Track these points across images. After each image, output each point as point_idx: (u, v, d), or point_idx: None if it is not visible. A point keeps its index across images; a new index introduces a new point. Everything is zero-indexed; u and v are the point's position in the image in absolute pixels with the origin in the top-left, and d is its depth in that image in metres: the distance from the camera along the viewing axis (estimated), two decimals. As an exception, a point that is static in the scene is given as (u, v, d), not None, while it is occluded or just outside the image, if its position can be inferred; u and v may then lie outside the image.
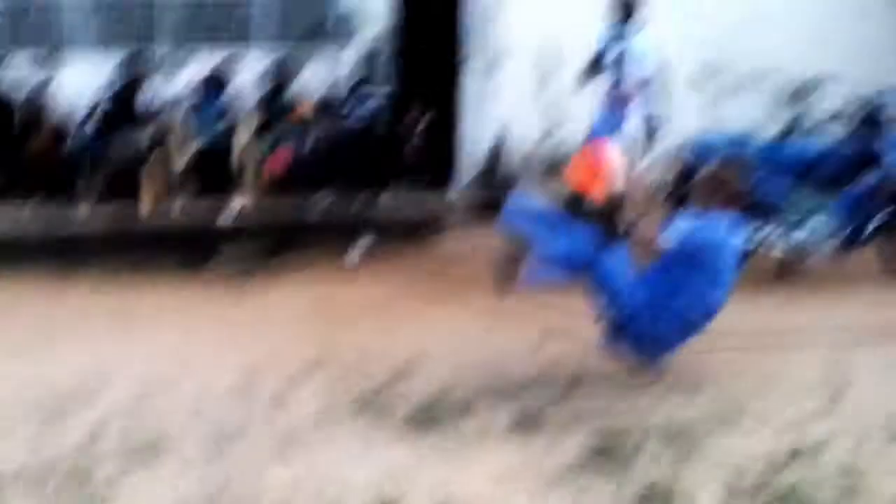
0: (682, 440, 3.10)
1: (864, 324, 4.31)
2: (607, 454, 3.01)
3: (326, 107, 6.60)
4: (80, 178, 6.34)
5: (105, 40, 7.08)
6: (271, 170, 6.49)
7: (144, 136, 6.45)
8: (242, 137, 6.62)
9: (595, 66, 5.71)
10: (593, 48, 5.69)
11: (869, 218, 5.00)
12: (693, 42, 6.60)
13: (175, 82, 6.98)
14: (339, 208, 6.32)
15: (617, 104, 5.71)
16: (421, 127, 6.78)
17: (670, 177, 5.49)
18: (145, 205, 6.33)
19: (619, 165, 3.72)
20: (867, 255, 5.17)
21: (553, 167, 7.03)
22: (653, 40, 5.67)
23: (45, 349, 4.20)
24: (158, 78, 6.90)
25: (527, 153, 7.19)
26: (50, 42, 6.99)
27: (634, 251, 3.57)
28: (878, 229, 5.04)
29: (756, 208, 5.03)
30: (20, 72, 6.71)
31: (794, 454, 2.98)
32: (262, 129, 6.66)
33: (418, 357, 3.93)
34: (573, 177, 3.82)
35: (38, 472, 2.98)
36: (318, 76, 7.02)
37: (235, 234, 5.98)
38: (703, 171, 3.67)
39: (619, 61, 5.66)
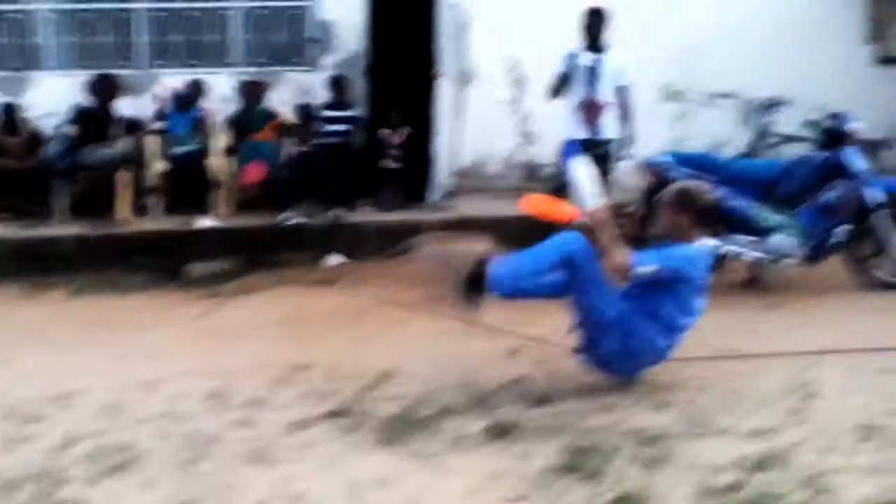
0: (654, 447, 3.14)
1: (831, 334, 4.42)
2: (581, 461, 3.04)
3: (300, 123, 6.63)
4: (53, 191, 6.29)
5: (79, 58, 7.05)
6: (245, 183, 6.49)
7: (118, 149, 6.42)
8: (216, 152, 6.62)
9: (563, 81, 5.82)
10: (561, 64, 5.80)
11: (833, 230, 5.14)
12: (655, 64, 6.77)
13: (148, 99, 6.98)
14: (313, 220, 6.33)
15: (588, 120, 5.81)
16: (399, 140, 6.83)
17: (638, 194, 5.58)
18: (119, 216, 6.29)
19: (589, 183, 3.73)
20: (833, 267, 5.31)
21: (527, 181, 7.14)
22: (619, 60, 5.80)
23: (17, 358, 4.17)
24: (133, 93, 6.90)
25: (501, 167, 7.29)
26: (23, 59, 6.96)
27: (607, 273, 3.60)
28: (841, 241, 5.18)
29: (723, 223, 5.16)
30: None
31: (763, 461, 3.03)
32: (236, 144, 6.67)
33: (392, 367, 3.95)
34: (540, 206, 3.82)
35: (7, 481, 2.94)
36: (292, 93, 7.06)
37: (209, 245, 5.97)
38: (671, 188, 3.72)
39: (590, 78, 5.77)
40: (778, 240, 5.11)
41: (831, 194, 5.14)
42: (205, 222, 6.26)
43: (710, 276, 3.67)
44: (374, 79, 7.32)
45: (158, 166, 6.55)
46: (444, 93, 6.92)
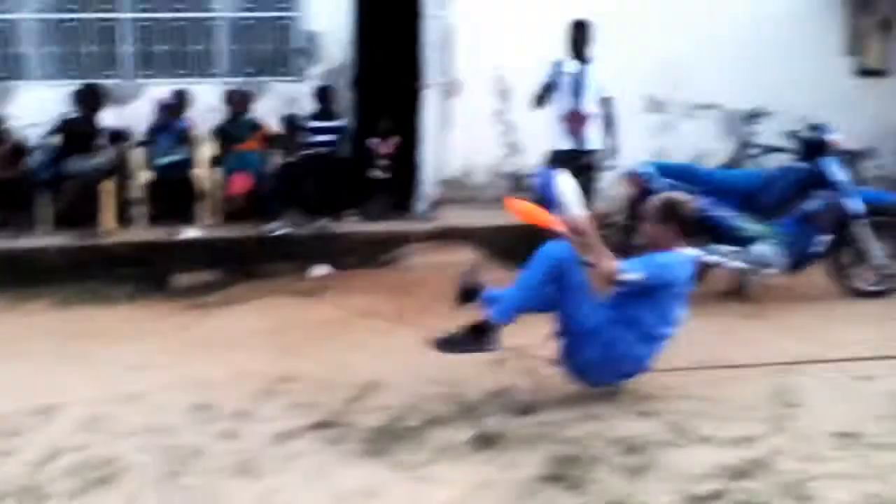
0: (637, 456, 3.17)
1: (811, 343, 4.47)
2: (566, 470, 3.06)
3: (286, 133, 6.64)
4: (37, 201, 6.26)
5: (63, 68, 7.04)
6: (231, 194, 6.49)
7: (103, 159, 6.41)
8: (201, 163, 6.62)
9: (547, 90, 5.86)
10: (546, 74, 5.85)
11: (813, 240, 5.20)
12: (638, 76, 6.84)
13: (135, 108, 6.97)
14: (299, 231, 6.33)
15: (572, 130, 5.86)
16: (388, 150, 6.85)
17: (622, 204, 5.63)
18: (104, 226, 6.27)
19: (571, 194, 3.78)
20: (814, 276, 5.37)
21: (513, 191, 7.17)
22: (602, 72, 5.86)
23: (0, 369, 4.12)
24: (117, 103, 6.89)
25: (487, 177, 7.32)
26: (7, 69, 6.93)
27: (593, 281, 3.63)
28: (822, 251, 5.24)
29: (705, 233, 5.21)
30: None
31: (745, 468, 3.07)
32: (222, 154, 6.67)
33: (378, 378, 3.96)
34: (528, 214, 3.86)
35: (-10, 495, 2.93)
36: (278, 103, 7.07)
37: (195, 255, 5.95)
38: (654, 199, 3.76)
39: (574, 88, 5.83)
40: (759, 249, 5.17)
41: (812, 204, 5.20)
42: (190, 233, 6.25)
43: (692, 285, 3.70)
44: (360, 89, 7.34)
45: (143, 177, 6.53)
46: (430, 103, 6.95)
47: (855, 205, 5.20)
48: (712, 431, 3.37)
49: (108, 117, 6.76)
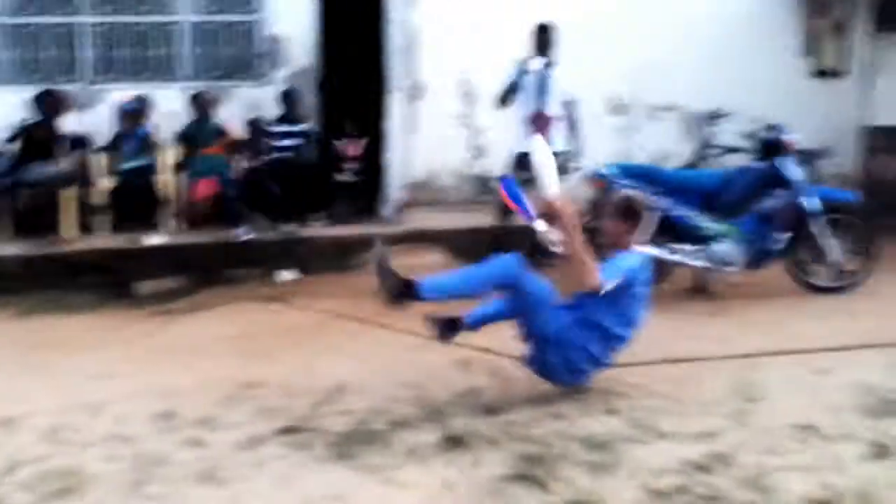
0: (601, 453, 3.21)
1: (772, 338, 4.57)
2: (532, 469, 3.09)
3: (251, 138, 6.60)
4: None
5: (23, 73, 6.93)
6: (196, 199, 6.43)
7: (64, 165, 6.32)
8: (164, 168, 6.56)
9: (512, 90, 5.90)
10: (510, 73, 5.88)
11: (773, 238, 5.31)
12: (601, 78, 6.92)
13: (97, 113, 6.89)
14: (265, 236, 6.30)
15: (537, 132, 5.90)
16: (356, 152, 6.84)
17: (586, 205, 5.69)
18: (66, 234, 6.18)
19: (550, 171, 3.84)
20: (774, 273, 5.48)
21: (479, 193, 7.23)
22: (565, 75, 5.92)
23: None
24: (79, 109, 6.80)
25: (453, 180, 7.35)
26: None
27: (560, 281, 3.67)
28: (781, 248, 5.35)
29: (667, 231, 5.29)
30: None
31: (707, 463, 3.13)
32: (186, 160, 6.61)
33: (345, 381, 3.96)
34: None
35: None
36: (242, 108, 7.03)
37: (159, 262, 5.89)
38: (611, 197, 3.83)
39: (539, 90, 5.87)
40: (720, 248, 5.26)
41: (770, 203, 5.31)
42: (154, 239, 6.18)
43: (651, 284, 3.77)
44: (325, 93, 7.33)
45: (105, 183, 6.45)
46: (396, 107, 6.97)
47: (812, 203, 5.32)
48: (675, 427, 3.43)
49: (68, 123, 6.67)
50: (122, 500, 2.94)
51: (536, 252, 5.95)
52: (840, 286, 5.47)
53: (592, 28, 6.89)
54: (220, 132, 6.70)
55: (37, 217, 6.24)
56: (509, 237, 5.81)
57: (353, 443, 3.33)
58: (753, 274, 5.41)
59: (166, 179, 6.52)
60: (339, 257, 6.24)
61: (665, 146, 7.42)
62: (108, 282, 5.71)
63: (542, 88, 5.89)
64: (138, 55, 7.06)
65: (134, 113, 6.65)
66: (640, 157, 7.31)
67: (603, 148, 6.39)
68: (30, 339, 4.82)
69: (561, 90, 5.95)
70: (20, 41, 6.93)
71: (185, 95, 6.96)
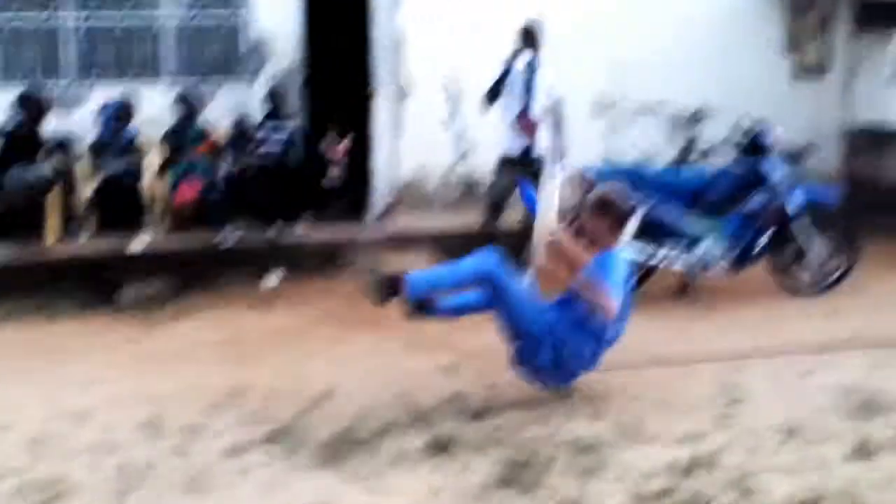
0: (588, 456, 3.23)
1: (756, 339, 4.60)
2: (519, 474, 3.10)
3: (236, 138, 6.56)
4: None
5: (4, 74, 6.85)
6: (180, 202, 6.39)
7: (47, 168, 6.26)
8: (150, 170, 6.51)
9: (501, 81, 5.89)
10: (495, 74, 5.88)
11: (757, 238, 5.34)
12: (587, 77, 6.93)
13: (80, 114, 6.83)
14: (251, 239, 6.27)
15: (524, 131, 5.91)
16: (342, 151, 6.81)
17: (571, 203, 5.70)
18: (49, 238, 6.13)
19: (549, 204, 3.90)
20: (759, 273, 5.51)
21: (466, 195, 7.22)
22: (551, 74, 5.92)
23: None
24: (62, 110, 6.73)
25: (440, 182, 7.35)
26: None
27: (543, 281, 3.68)
28: (765, 248, 5.38)
29: (653, 231, 5.31)
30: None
31: (693, 465, 3.15)
32: (170, 161, 6.57)
33: (331, 386, 3.95)
34: None
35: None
36: (227, 108, 6.99)
37: (144, 266, 5.85)
38: (592, 193, 3.84)
39: (525, 91, 5.87)
40: (705, 248, 5.29)
41: (754, 202, 5.34)
42: (139, 243, 6.14)
43: (633, 281, 3.78)
44: (311, 93, 7.30)
45: (89, 186, 6.39)
46: (382, 108, 6.95)
47: (796, 202, 5.36)
48: (661, 429, 3.45)
49: (52, 123, 6.60)
50: (108, 509, 2.93)
51: (524, 252, 6.00)
52: (823, 285, 5.51)
53: (576, 28, 6.89)
54: (204, 134, 6.66)
55: (19, 221, 6.17)
56: (497, 239, 5.81)
57: (339, 449, 3.32)
58: (737, 274, 5.43)
59: (151, 182, 6.47)
60: (325, 260, 6.22)
61: (650, 146, 7.44)
62: (92, 287, 5.67)
63: (528, 88, 5.89)
64: (122, 55, 7.01)
65: (119, 115, 6.60)
66: (625, 157, 7.33)
67: (588, 148, 6.40)
68: (12, 346, 4.78)
69: (546, 90, 5.96)
70: (2, 41, 6.86)
71: (170, 95, 6.90)
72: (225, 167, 6.50)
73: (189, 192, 6.41)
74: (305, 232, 6.53)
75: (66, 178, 6.35)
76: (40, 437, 3.49)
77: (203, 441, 3.43)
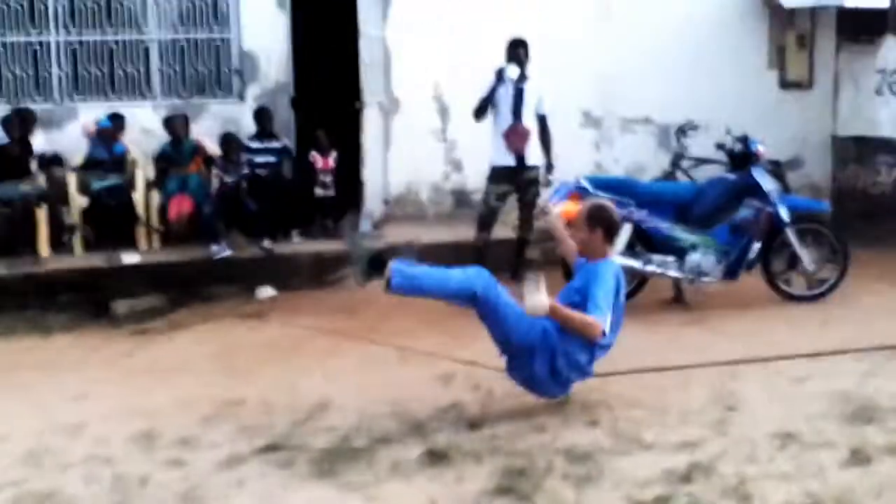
0: (584, 465, 3.23)
1: (750, 347, 4.62)
2: (516, 483, 3.09)
3: (226, 154, 6.56)
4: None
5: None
6: (174, 216, 6.39)
7: (35, 186, 6.24)
8: (140, 186, 6.50)
9: (485, 106, 5.92)
10: (484, 89, 5.92)
11: (747, 247, 5.37)
12: (574, 91, 6.99)
13: (65, 132, 6.82)
14: (244, 253, 6.26)
15: (515, 146, 5.94)
16: (328, 165, 6.82)
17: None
18: (40, 255, 6.10)
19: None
20: (751, 282, 5.53)
21: (457, 207, 7.25)
22: (539, 88, 5.97)
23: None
24: (48, 128, 6.73)
25: (431, 194, 7.37)
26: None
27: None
28: (756, 258, 5.42)
29: (645, 241, 5.35)
30: None
31: (689, 473, 3.15)
32: (162, 178, 6.56)
33: (326, 398, 3.94)
34: None
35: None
36: (216, 124, 7.00)
37: (137, 280, 5.83)
38: (582, 205, 3.88)
39: (515, 104, 5.91)
40: (696, 258, 5.32)
41: (743, 213, 5.38)
42: (130, 258, 6.12)
43: (624, 289, 3.80)
44: (300, 109, 7.32)
45: (80, 202, 6.38)
46: (371, 122, 6.98)
47: (784, 213, 5.41)
48: (657, 437, 3.46)
49: (39, 141, 6.59)
50: (102, 524, 2.90)
51: (518, 265, 6.03)
52: (814, 294, 5.56)
53: (564, 42, 6.96)
54: (196, 151, 6.66)
55: (10, 237, 6.15)
56: (489, 251, 5.83)
57: (335, 460, 3.31)
58: (729, 284, 5.46)
59: (141, 198, 6.46)
60: (318, 274, 6.22)
61: (638, 158, 7.50)
62: (85, 301, 5.64)
63: (516, 104, 5.93)
64: (109, 73, 7.01)
65: (108, 132, 6.59)
66: (614, 170, 7.38)
67: (576, 161, 6.44)
68: (6, 361, 4.75)
69: (535, 104, 6.00)
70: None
71: (158, 113, 6.91)
72: (217, 182, 6.50)
73: (181, 207, 6.40)
74: (296, 245, 6.52)
75: (55, 195, 6.34)
76: (35, 450, 3.46)
77: (198, 453, 3.41)
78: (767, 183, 5.43)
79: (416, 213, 7.25)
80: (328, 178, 6.84)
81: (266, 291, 5.95)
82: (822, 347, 4.57)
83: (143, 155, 6.74)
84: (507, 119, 5.95)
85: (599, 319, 3.49)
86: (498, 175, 5.99)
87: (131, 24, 7.01)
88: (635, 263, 5.28)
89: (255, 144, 6.79)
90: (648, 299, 5.44)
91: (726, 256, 5.34)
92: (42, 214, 6.20)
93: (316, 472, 3.22)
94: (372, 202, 7.06)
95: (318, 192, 6.81)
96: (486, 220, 6.02)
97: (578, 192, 5.36)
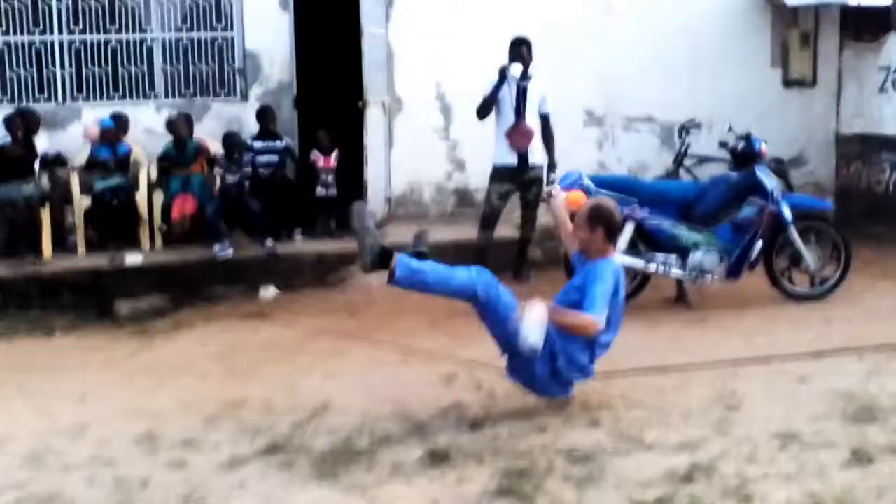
0: (586, 465, 3.22)
1: (752, 346, 4.62)
2: (517, 483, 3.09)
3: (228, 154, 6.57)
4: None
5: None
6: (177, 216, 6.39)
7: (38, 187, 6.26)
8: (143, 187, 6.51)
9: (488, 105, 5.92)
10: (488, 88, 5.91)
11: (750, 246, 5.36)
12: (577, 91, 6.98)
13: (69, 132, 6.84)
14: (247, 253, 6.27)
15: (519, 146, 5.94)
16: (330, 164, 6.82)
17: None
18: (43, 255, 6.12)
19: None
20: (754, 281, 5.52)
21: (459, 206, 7.25)
22: (541, 88, 5.96)
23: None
24: (51, 128, 6.74)
25: (434, 193, 7.37)
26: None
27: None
28: (758, 256, 5.41)
29: (648, 240, 5.34)
30: None
31: (690, 473, 3.14)
32: (166, 179, 6.57)
33: (328, 399, 3.95)
34: None
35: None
36: (219, 123, 7.01)
37: (140, 280, 5.84)
38: (584, 204, 3.88)
39: (518, 104, 5.90)
40: (699, 257, 5.30)
41: (746, 211, 5.36)
42: (133, 258, 6.13)
43: (624, 288, 3.80)
44: (303, 109, 7.32)
45: (83, 202, 6.39)
46: (374, 121, 6.98)
47: (786, 211, 5.39)
48: (658, 438, 3.46)
49: (42, 142, 6.61)
50: (104, 525, 2.91)
51: (522, 265, 6.02)
52: (817, 293, 5.54)
53: (566, 41, 6.95)
54: (199, 151, 6.67)
55: (14, 237, 6.17)
56: (492, 250, 5.83)
57: (337, 461, 3.31)
58: (732, 282, 5.45)
59: (144, 198, 6.48)
60: (320, 274, 6.22)
61: (641, 157, 7.50)
62: (88, 302, 5.66)
63: (519, 103, 5.92)
64: (112, 73, 7.02)
65: (112, 131, 6.60)
66: (617, 169, 7.37)
67: (579, 160, 6.44)
68: (9, 362, 4.76)
69: (538, 103, 5.99)
70: (-5, 59, 6.88)
71: (161, 112, 6.93)
72: (220, 182, 6.51)
73: (185, 206, 6.41)
74: (299, 245, 6.53)
75: (58, 195, 6.36)
76: (38, 451, 3.47)
77: (200, 454, 3.42)
78: (770, 181, 5.41)
79: (419, 212, 7.25)
80: (329, 178, 6.84)
81: (269, 291, 5.96)
82: (824, 347, 4.56)
83: (147, 155, 6.76)
84: (509, 118, 5.95)
85: (595, 317, 3.49)
86: (500, 174, 5.99)
87: (135, 24, 7.03)
88: (637, 262, 5.27)
89: (257, 144, 6.80)
90: (651, 298, 5.44)
91: (729, 255, 5.33)
92: (45, 215, 6.22)
93: (317, 473, 3.23)
94: (374, 201, 7.05)
95: (320, 191, 6.82)
96: (489, 219, 6.02)
97: (582, 191, 5.36)
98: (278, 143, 6.88)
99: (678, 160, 6.92)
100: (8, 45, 6.89)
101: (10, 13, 6.85)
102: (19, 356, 4.87)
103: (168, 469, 3.30)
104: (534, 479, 3.12)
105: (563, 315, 3.52)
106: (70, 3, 6.91)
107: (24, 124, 6.43)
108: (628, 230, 5.25)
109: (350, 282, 6.14)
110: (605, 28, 7.29)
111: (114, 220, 6.42)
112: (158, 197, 6.54)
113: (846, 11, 7.64)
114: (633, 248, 5.32)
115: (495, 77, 5.88)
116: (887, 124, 7.29)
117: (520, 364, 3.66)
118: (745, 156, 5.51)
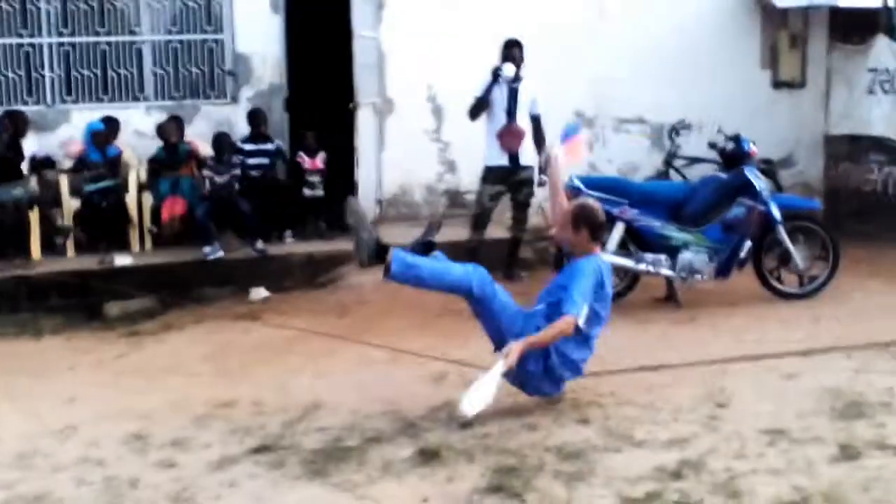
0: (575, 462, 3.23)
1: (741, 344, 4.64)
2: (507, 481, 3.10)
3: (218, 155, 6.56)
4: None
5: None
6: (167, 217, 6.39)
7: (27, 189, 6.23)
8: (133, 189, 6.50)
9: (480, 106, 5.93)
10: (480, 88, 5.93)
11: (739, 246, 5.39)
12: (567, 92, 7.00)
13: (58, 135, 6.82)
14: (236, 255, 6.26)
15: (510, 146, 5.96)
16: (317, 166, 6.82)
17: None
18: (32, 257, 6.10)
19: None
20: (743, 280, 5.55)
21: (450, 207, 7.25)
22: (532, 89, 5.98)
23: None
24: (40, 131, 6.72)
25: (425, 195, 7.38)
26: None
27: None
28: (748, 256, 5.43)
29: (636, 241, 5.36)
30: None
31: (679, 469, 3.16)
32: (156, 181, 6.56)
33: (318, 398, 3.95)
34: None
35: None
36: (210, 126, 6.99)
37: (129, 282, 5.83)
38: (569, 205, 3.90)
39: (510, 105, 5.92)
40: (688, 257, 5.33)
41: (735, 211, 5.39)
42: (122, 260, 6.12)
43: (611, 284, 3.82)
44: (293, 111, 7.32)
45: (72, 204, 6.37)
46: (365, 123, 6.98)
47: (775, 211, 5.42)
48: (648, 435, 3.47)
49: (31, 144, 6.58)
50: (93, 525, 2.90)
51: (513, 264, 6.04)
52: (806, 291, 5.57)
53: (557, 43, 6.97)
54: (189, 153, 6.66)
55: (2, 239, 6.14)
56: (484, 251, 5.84)
57: (327, 460, 3.31)
58: (721, 282, 5.48)
59: (134, 200, 6.46)
60: (311, 274, 6.22)
61: (632, 158, 7.52)
62: (77, 304, 5.64)
63: (510, 104, 5.94)
64: (102, 75, 7.01)
65: (102, 134, 6.59)
66: (608, 170, 7.40)
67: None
68: (-1, 362, 4.75)
69: (528, 104, 6.01)
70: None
71: (151, 115, 6.91)
72: (209, 183, 6.50)
73: (175, 208, 6.40)
74: (289, 246, 6.53)
75: (47, 197, 6.34)
76: (26, 452, 3.46)
77: (190, 454, 3.41)
78: (759, 182, 5.44)
79: (410, 213, 7.25)
80: (316, 179, 6.84)
81: (259, 292, 5.95)
82: (812, 344, 4.58)
83: (137, 157, 6.74)
84: (500, 119, 5.97)
85: (572, 314, 3.54)
86: (492, 175, 6.01)
87: (124, 26, 7.01)
88: (627, 262, 5.30)
89: (248, 146, 6.79)
90: (640, 298, 5.46)
91: (718, 255, 5.36)
92: (34, 217, 6.20)
93: (308, 473, 3.22)
94: (365, 203, 7.05)
95: (307, 192, 6.81)
96: (480, 220, 6.03)
97: (569, 193, 5.37)
98: (269, 146, 6.88)
99: (668, 161, 6.95)
100: (-1, 47, 6.87)
101: (-2, 15, 6.83)
102: (8, 358, 4.84)
103: (158, 469, 3.29)
104: (524, 477, 3.12)
105: (541, 338, 3.57)
106: (59, 5, 6.90)
107: (13, 126, 6.41)
108: (618, 230, 5.27)
109: (340, 282, 6.15)
110: (597, 30, 7.32)
111: (103, 222, 6.40)
112: (148, 199, 6.53)
113: (835, 13, 7.69)
114: (623, 249, 5.34)
115: (487, 78, 5.90)
116: (875, 125, 7.34)
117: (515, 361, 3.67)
118: (734, 156, 5.54)
